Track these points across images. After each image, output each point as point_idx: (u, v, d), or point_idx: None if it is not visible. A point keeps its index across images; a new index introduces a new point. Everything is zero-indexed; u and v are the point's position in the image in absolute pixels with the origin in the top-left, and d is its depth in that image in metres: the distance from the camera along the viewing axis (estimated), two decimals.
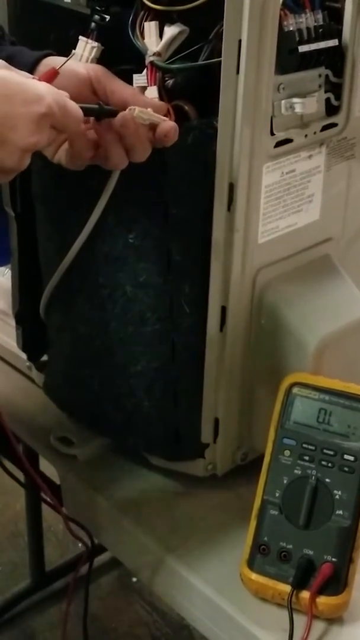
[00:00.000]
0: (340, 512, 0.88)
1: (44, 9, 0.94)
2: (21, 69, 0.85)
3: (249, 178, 0.87)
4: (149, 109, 0.82)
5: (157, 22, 0.84)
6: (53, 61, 0.85)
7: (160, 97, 0.85)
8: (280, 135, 0.89)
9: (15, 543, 2.00)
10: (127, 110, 0.82)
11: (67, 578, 1.93)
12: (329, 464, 0.89)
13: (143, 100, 0.85)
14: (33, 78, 0.78)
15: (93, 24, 0.87)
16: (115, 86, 0.85)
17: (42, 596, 1.91)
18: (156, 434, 1.01)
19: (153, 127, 0.83)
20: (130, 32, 0.86)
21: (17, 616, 1.88)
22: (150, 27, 0.84)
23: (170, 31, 0.84)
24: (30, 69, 0.85)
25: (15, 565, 1.97)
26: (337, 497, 0.88)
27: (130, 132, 0.81)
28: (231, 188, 0.87)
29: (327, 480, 0.89)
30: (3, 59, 0.78)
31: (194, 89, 0.88)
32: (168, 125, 0.83)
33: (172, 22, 0.84)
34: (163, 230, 0.90)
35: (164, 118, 0.83)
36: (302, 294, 0.95)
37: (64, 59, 0.85)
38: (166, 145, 0.83)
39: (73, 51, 0.87)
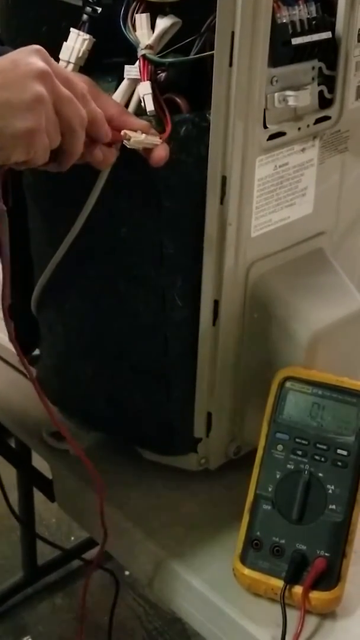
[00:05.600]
0: (333, 506, 0.87)
1: (35, 1, 0.93)
2: None
3: (242, 171, 0.87)
4: (143, 135, 0.83)
5: (149, 14, 0.84)
6: None
7: (153, 91, 0.85)
8: (273, 128, 0.88)
9: (7, 537, 2.00)
10: (121, 135, 0.83)
11: (59, 572, 1.94)
12: (322, 459, 0.89)
13: (128, 121, 0.85)
14: None
15: (85, 16, 0.87)
16: (100, 102, 0.84)
17: (34, 590, 1.92)
18: (148, 428, 1.01)
19: (147, 149, 0.84)
20: (122, 25, 0.85)
21: (10, 610, 1.88)
22: (142, 19, 0.83)
23: (162, 23, 0.83)
24: None
25: (7, 559, 1.96)
26: (330, 491, 0.88)
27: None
28: (224, 181, 0.86)
29: (320, 474, 0.88)
30: None
31: (187, 81, 0.87)
32: (159, 154, 0.84)
33: (164, 14, 0.84)
34: (155, 224, 0.90)
35: (158, 140, 0.84)
36: (295, 287, 0.95)
37: None
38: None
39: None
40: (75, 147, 0.81)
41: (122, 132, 0.83)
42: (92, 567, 1.08)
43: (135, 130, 0.84)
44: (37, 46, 0.79)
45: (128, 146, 0.83)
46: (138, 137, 0.83)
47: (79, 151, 0.82)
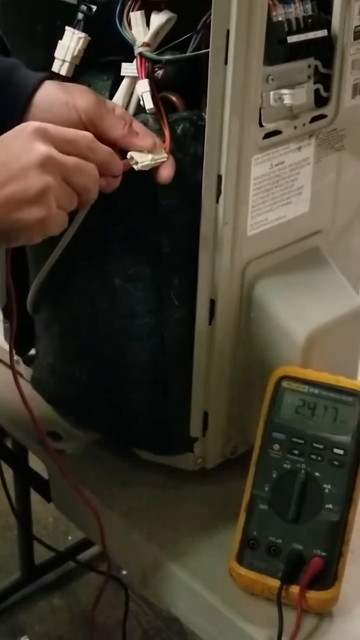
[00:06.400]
0: (330, 506, 0.87)
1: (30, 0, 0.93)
2: (22, 93, 0.85)
3: (238, 170, 0.87)
4: (149, 155, 0.83)
5: (143, 12, 0.83)
6: (49, 89, 0.85)
7: (151, 89, 0.84)
8: (269, 127, 0.88)
9: (4, 536, 2.00)
10: (127, 158, 0.84)
11: (57, 572, 1.94)
12: (319, 458, 0.89)
13: (132, 142, 0.85)
14: None
15: (80, 14, 0.86)
16: (105, 125, 0.84)
17: (32, 589, 1.91)
18: (145, 428, 1.01)
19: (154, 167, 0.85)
20: (117, 23, 0.85)
21: (7, 610, 1.88)
22: (136, 17, 0.83)
23: (157, 19, 0.83)
24: (30, 94, 0.85)
25: (4, 558, 1.96)
26: (326, 491, 0.88)
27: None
28: (219, 180, 0.86)
29: (317, 474, 0.88)
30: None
31: (184, 79, 0.87)
32: (167, 173, 0.85)
33: (159, 11, 0.84)
34: (152, 222, 0.90)
35: (164, 157, 0.84)
36: (292, 286, 0.95)
37: (59, 83, 0.85)
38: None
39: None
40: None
41: (128, 156, 0.84)
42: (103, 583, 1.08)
43: (141, 150, 0.84)
44: (34, 124, 0.78)
45: (136, 169, 0.84)
46: (145, 160, 0.84)
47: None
